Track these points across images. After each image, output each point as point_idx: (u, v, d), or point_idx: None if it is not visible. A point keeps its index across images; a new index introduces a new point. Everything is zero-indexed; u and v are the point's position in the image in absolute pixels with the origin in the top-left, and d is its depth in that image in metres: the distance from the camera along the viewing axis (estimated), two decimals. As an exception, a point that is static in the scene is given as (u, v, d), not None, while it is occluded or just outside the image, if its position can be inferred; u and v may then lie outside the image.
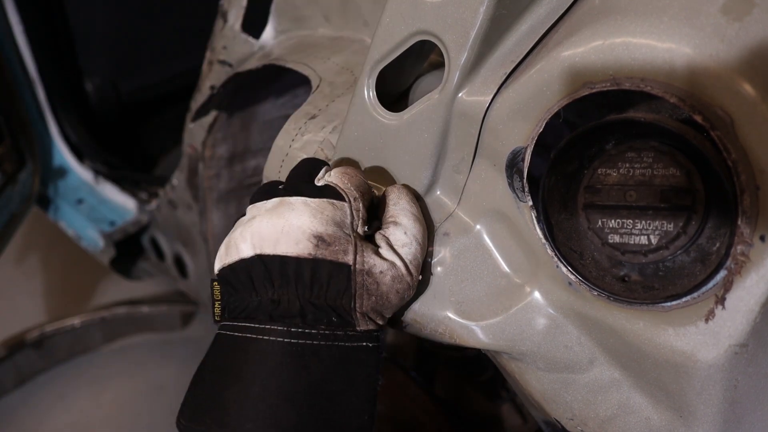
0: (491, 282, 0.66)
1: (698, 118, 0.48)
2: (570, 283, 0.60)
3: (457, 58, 0.60)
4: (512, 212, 0.64)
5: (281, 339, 0.58)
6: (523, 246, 0.64)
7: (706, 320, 0.52)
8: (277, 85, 1.32)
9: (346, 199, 0.61)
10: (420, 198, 0.68)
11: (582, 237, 0.58)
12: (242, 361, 0.58)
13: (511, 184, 0.62)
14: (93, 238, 1.83)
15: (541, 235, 0.60)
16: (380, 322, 0.62)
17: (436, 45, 0.62)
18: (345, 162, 0.72)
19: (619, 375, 0.61)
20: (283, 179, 0.68)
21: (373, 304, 0.59)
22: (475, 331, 0.66)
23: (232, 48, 1.15)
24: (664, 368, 0.55)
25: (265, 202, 0.62)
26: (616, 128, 0.55)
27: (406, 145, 0.67)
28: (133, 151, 2.01)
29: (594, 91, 0.53)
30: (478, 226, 0.67)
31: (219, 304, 0.63)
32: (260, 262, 0.59)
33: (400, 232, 0.61)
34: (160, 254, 1.80)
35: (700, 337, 0.52)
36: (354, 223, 0.60)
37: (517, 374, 0.68)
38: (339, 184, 0.62)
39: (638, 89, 0.50)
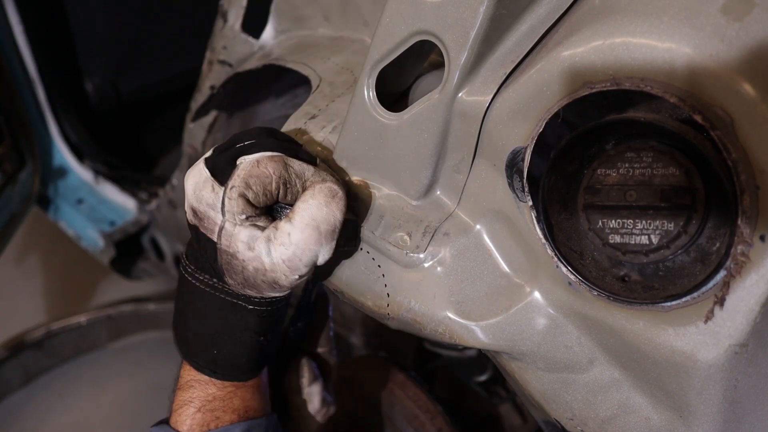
0: (491, 282, 0.66)
1: (698, 118, 0.48)
2: (570, 283, 0.60)
3: (457, 58, 0.60)
4: (512, 212, 0.64)
5: (186, 277, 0.71)
6: (523, 246, 0.64)
7: (706, 320, 0.52)
8: (277, 85, 1.32)
9: (225, 186, 0.64)
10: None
11: (582, 237, 0.58)
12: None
13: (511, 184, 0.62)
14: (93, 238, 1.83)
15: (541, 235, 0.60)
16: (265, 295, 0.67)
17: (436, 45, 0.62)
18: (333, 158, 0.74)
19: (619, 375, 0.61)
20: None
21: (242, 282, 0.66)
22: (475, 331, 0.66)
23: (232, 48, 1.15)
24: (664, 368, 0.55)
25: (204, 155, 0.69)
26: (615, 128, 0.55)
27: (406, 145, 0.67)
28: (133, 151, 2.01)
29: (594, 91, 0.53)
30: (478, 226, 0.67)
31: None
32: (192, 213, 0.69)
33: (284, 234, 0.62)
34: (160, 254, 1.80)
35: (700, 337, 0.52)
36: (225, 209, 0.63)
37: (517, 374, 0.68)
38: (237, 170, 0.64)
39: (638, 89, 0.50)
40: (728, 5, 0.49)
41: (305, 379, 0.88)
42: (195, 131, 1.34)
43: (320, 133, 0.79)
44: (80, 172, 1.84)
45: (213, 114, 1.29)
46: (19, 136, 1.63)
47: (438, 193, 0.69)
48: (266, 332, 0.71)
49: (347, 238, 0.70)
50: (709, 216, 0.52)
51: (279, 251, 0.62)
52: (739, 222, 0.48)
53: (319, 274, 0.76)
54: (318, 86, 0.89)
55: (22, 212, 1.69)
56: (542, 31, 0.61)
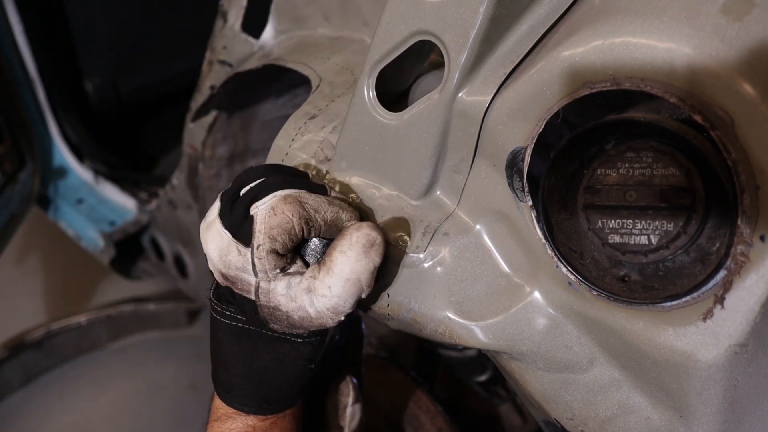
0: (491, 282, 0.66)
1: (698, 118, 0.48)
2: (570, 283, 0.60)
3: (457, 58, 0.60)
4: (512, 212, 0.64)
5: (223, 321, 0.68)
6: (523, 246, 0.64)
7: (706, 320, 0.52)
8: (277, 85, 1.32)
9: (251, 246, 0.62)
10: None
11: (582, 237, 0.58)
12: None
13: (511, 184, 0.62)
14: (93, 238, 1.83)
15: (541, 235, 0.60)
16: (311, 332, 0.66)
17: (436, 45, 0.62)
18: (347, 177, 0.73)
19: (619, 375, 0.61)
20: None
21: (288, 326, 0.64)
22: (475, 331, 0.66)
23: (232, 48, 1.15)
24: (664, 368, 0.55)
25: (212, 208, 0.66)
26: (615, 128, 0.55)
27: (406, 145, 0.67)
28: (133, 151, 2.01)
29: (594, 91, 0.53)
30: (478, 226, 0.67)
31: None
32: None
33: (325, 287, 0.61)
34: (160, 254, 1.80)
35: (700, 337, 0.52)
36: (257, 270, 0.62)
37: (517, 374, 0.68)
38: (256, 225, 0.62)
39: (638, 89, 0.50)
40: (728, 5, 0.49)
41: (350, 398, 0.86)
42: (195, 131, 1.34)
43: (320, 133, 0.79)
44: (80, 172, 1.84)
45: (213, 114, 1.29)
46: (19, 136, 1.63)
47: (438, 193, 0.69)
48: (316, 358, 0.69)
49: None
50: (709, 216, 0.52)
51: (321, 302, 0.61)
52: (739, 222, 0.48)
53: None
54: (318, 86, 0.89)
55: (22, 212, 1.69)
56: (542, 31, 0.61)
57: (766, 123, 0.47)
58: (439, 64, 0.71)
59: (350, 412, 0.87)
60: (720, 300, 0.51)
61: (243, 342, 0.67)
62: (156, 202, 1.67)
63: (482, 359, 1.33)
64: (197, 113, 1.29)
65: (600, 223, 0.56)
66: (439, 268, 0.67)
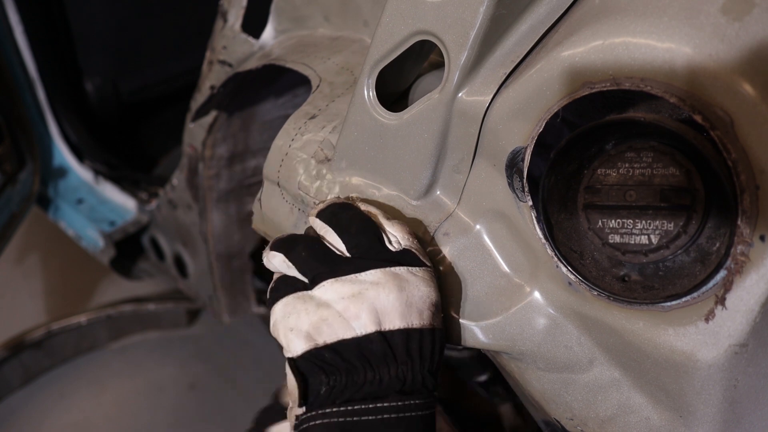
0: (491, 282, 0.66)
1: (698, 118, 0.48)
2: (570, 283, 0.60)
3: (457, 58, 0.60)
4: (512, 212, 0.64)
5: (413, 413, 0.57)
6: (523, 246, 0.64)
7: (706, 320, 0.52)
8: (277, 85, 1.32)
9: (429, 265, 0.62)
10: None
11: (582, 237, 0.58)
12: None
13: (511, 184, 0.62)
14: (93, 238, 1.83)
15: (541, 235, 0.60)
16: None
17: (436, 45, 0.62)
18: (373, 202, 0.70)
19: (619, 375, 0.61)
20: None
21: None
22: (475, 331, 0.66)
23: (232, 48, 1.15)
24: (664, 368, 0.55)
25: (359, 274, 0.59)
26: (615, 128, 0.55)
27: (406, 145, 0.67)
28: (133, 151, 2.01)
29: (594, 91, 0.53)
30: (478, 226, 0.67)
31: (301, 388, 0.58)
32: (382, 338, 0.57)
33: None
34: (160, 254, 1.80)
35: (700, 336, 0.52)
36: None
37: (517, 374, 0.68)
38: (417, 250, 0.62)
39: (638, 89, 0.50)
40: (728, 5, 0.49)
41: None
42: (195, 131, 1.34)
43: (320, 133, 0.79)
44: (80, 172, 1.84)
45: (213, 114, 1.28)
46: (19, 136, 1.63)
47: (438, 193, 0.69)
48: None
49: None
50: (709, 216, 0.52)
51: None
52: (739, 222, 0.48)
53: None
54: (318, 86, 0.89)
55: (22, 212, 1.69)
56: (542, 31, 0.61)
57: (766, 123, 0.47)
58: (439, 64, 0.71)
59: None
60: (720, 300, 0.51)
61: None
62: (156, 202, 1.67)
63: (482, 359, 1.33)
64: (197, 113, 1.29)
65: (600, 223, 0.56)
66: (439, 268, 0.67)
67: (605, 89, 0.52)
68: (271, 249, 0.63)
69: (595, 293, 0.57)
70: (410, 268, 0.60)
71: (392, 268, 0.59)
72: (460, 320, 0.66)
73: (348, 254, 0.61)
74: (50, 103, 1.75)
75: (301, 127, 0.81)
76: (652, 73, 0.50)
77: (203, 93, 1.24)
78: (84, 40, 1.82)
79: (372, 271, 0.59)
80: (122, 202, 1.79)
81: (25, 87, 1.70)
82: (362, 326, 0.57)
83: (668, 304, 0.53)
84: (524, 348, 0.64)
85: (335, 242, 0.62)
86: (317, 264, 0.60)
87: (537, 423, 0.74)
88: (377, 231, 0.63)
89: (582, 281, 0.58)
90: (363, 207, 0.66)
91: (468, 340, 0.66)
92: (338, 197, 0.71)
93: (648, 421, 0.60)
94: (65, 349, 2.01)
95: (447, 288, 0.67)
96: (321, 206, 0.66)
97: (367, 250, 0.61)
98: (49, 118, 1.77)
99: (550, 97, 0.56)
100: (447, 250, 0.67)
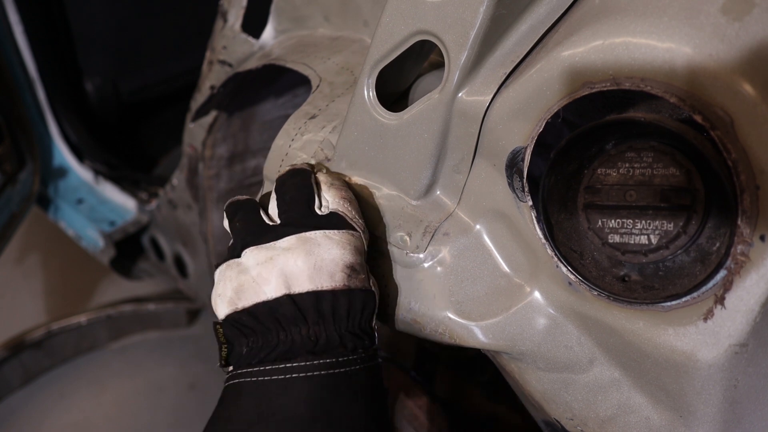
0: (491, 282, 0.66)
1: (698, 118, 0.48)
2: (570, 283, 0.60)
3: (457, 58, 0.60)
4: (512, 212, 0.64)
5: (322, 372, 0.58)
6: (523, 246, 0.64)
7: (706, 320, 0.52)
8: (277, 85, 1.32)
9: (358, 229, 0.63)
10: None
11: (582, 237, 0.58)
12: (292, 402, 0.57)
13: (511, 184, 0.62)
14: (93, 238, 1.83)
15: (541, 235, 0.60)
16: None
17: (436, 45, 0.62)
18: (333, 173, 0.72)
19: (619, 375, 0.61)
20: None
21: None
22: (475, 331, 0.66)
23: (232, 48, 1.15)
24: (664, 368, 0.55)
25: (276, 242, 0.61)
26: (616, 128, 0.55)
27: (406, 145, 0.67)
28: (133, 151, 2.01)
29: (594, 91, 0.53)
30: (478, 226, 0.67)
31: (225, 348, 0.62)
32: (290, 301, 0.59)
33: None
34: (160, 254, 1.80)
35: (700, 336, 0.52)
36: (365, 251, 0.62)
37: (517, 374, 0.68)
38: (345, 213, 0.63)
39: (638, 89, 0.50)
40: (728, 5, 0.49)
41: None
42: (195, 131, 1.34)
43: (320, 133, 0.79)
44: (80, 172, 1.84)
45: (213, 114, 1.28)
46: (19, 136, 1.63)
47: (438, 193, 0.69)
48: None
49: None
50: (709, 216, 0.52)
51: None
52: (739, 222, 0.48)
53: None
54: (318, 86, 0.89)
55: (22, 212, 1.69)
56: (542, 31, 0.61)
57: (766, 123, 0.47)
58: (439, 64, 0.71)
59: None
60: (720, 300, 0.51)
61: (334, 392, 0.59)
62: (156, 202, 1.67)
63: (482, 359, 1.32)
64: (197, 113, 1.29)
65: (600, 223, 0.56)
66: (439, 269, 0.67)
67: (605, 89, 0.52)
68: (225, 210, 0.68)
69: (595, 293, 0.57)
70: (327, 231, 0.61)
71: (306, 233, 0.61)
72: (460, 320, 0.66)
73: (278, 220, 0.64)
74: (50, 103, 1.75)
75: (301, 127, 0.81)
76: (652, 73, 0.50)
77: (203, 93, 1.24)
78: (84, 40, 1.82)
79: (287, 238, 0.61)
80: (122, 202, 1.79)
81: (25, 87, 1.70)
82: (273, 290, 0.60)
83: (668, 304, 0.53)
84: (524, 348, 0.64)
85: (272, 209, 0.66)
86: (245, 234, 0.64)
87: (537, 423, 0.74)
88: (311, 197, 0.65)
89: (582, 281, 0.58)
90: (318, 174, 0.69)
91: (468, 340, 0.66)
92: (303, 163, 0.73)
93: (648, 421, 0.60)
94: (65, 349, 2.01)
95: (447, 288, 0.67)
96: (281, 171, 0.69)
97: (293, 217, 0.63)
98: (49, 118, 1.77)
99: (550, 97, 0.56)
100: (447, 250, 0.67)
